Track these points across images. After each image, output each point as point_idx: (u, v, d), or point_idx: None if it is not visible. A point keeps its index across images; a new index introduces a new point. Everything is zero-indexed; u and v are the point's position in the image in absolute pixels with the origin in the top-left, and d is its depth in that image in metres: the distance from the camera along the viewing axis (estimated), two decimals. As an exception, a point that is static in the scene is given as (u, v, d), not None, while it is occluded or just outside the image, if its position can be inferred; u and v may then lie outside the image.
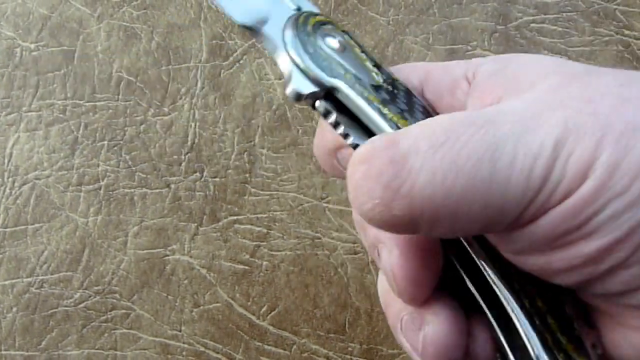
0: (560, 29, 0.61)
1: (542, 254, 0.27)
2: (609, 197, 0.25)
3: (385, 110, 0.29)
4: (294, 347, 0.58)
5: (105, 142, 0.60)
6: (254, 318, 0.58)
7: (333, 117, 0.30)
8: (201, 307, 0.58)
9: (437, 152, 0.26)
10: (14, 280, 0.59)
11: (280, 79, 0.61)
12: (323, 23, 0.31)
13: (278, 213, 0.59)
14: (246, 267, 0.59)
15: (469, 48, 0.60)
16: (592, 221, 0.26)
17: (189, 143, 0.60)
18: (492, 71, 0.31)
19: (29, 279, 0.59)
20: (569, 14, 0.61)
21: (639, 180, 0.25)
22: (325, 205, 0.58)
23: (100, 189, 0.60)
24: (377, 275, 0.55)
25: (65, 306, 0.58)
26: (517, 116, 0.27)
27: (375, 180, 0.26)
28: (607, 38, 0.62)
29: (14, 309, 0.58)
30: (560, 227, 0.26)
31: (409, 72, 0.33)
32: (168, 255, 0.59)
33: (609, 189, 0.25)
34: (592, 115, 0.26)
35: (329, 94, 0.30)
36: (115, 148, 0.60)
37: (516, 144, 0.26)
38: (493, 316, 0.30)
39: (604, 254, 0.26)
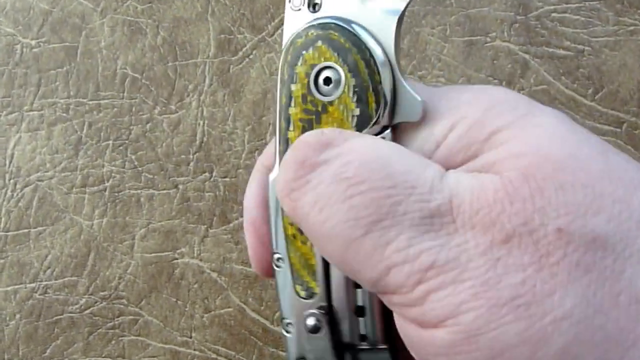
0: (582, 18, 0.59)
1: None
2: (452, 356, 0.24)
3: None
4: (309, 353, 0.55)
5: (110, 142, 0.58)
6: (267, 323, 0.56)
7: None
8: (212, 313, 0.56)
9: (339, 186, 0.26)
10: (16, 286, 0.57)
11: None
12: None
13: None
14: None
15: (488, 39, 0.58)
16: None
17: (198, 142, 0.58)
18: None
19: (33, 285, 0.57)
20: (591, 2, 0.58)
21: None
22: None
23: (105, 190, 0.57)
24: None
25: (71, 312, 0.56)
26: None
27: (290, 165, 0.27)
28: (632, 27, 0.59)
29: (17, 316, 0.56)
30: (415, 346, 0.26)
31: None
32: (177, 259, 0.56)
33: (460, 353, 0.24)
34: (487, 236, 0.24)
35: None
36: (121, 148, 0.58)
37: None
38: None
39: None
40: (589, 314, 0.22)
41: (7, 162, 0.58)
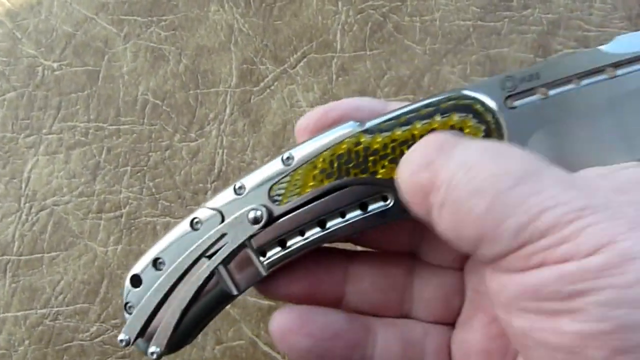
0: (603, 63, 0.58)
1: (527, 316, 0.29)
2: (610, 283, 0.26)
3: None
4: (321, 390, 0.54)
5: (129, 168, 0.57)
6: (279, 357, 0.55)
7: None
8: (224, 345, 0.55)
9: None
10: (27, 312, 0.55)
11: (312, 107, 0.58)
12: None
13: None
14: (272, 303, 0.55)
15: (511, 80, 0.57)
16: (583, 299, 0.27)
17: (216, 171, 0.57)
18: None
19: (44, 311, 0.55)
20: (613, 47, 0.58)
21: None
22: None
23: (121, 216, 0.56)
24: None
25: (81, 340, 0.55)
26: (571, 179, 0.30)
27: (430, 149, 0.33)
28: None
29: (26, 342, 0.55)
30: (550, 287, 0.28)
31: None
32: None
33: (613, 275, 0.26)
34: (634, 208, 0.28)
35: None
36: (139, 174, 0.57)
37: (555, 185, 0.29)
38: None
39: (583, 342, 0.27)
40: None
41: (23, 186, 0.57)
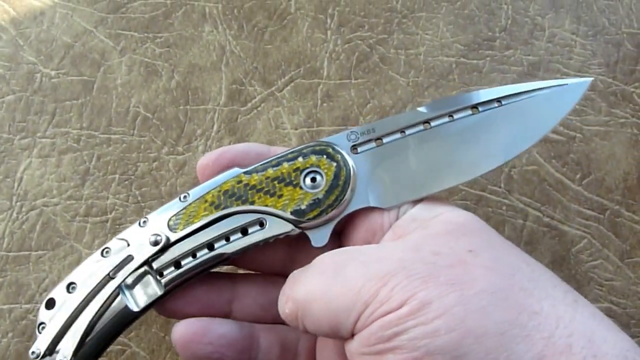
0: (577, 106, 0.65)
1: (367, 358, 0.40)
2: (415, 324, 0.38)
3: None
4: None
5: (117, 176, 0.63)
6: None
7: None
8: None
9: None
10: (12, 305, 0.61)
11: (296, 129, 0.64)
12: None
13: None
14: None
15: (486, 117, 0.63)
16: (399, 338, 0.38)
17: (200, 184, 0.62)
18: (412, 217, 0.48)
19: (28, 306, 0.61)
20: (587, 92, 0.64)
21: (440, 319, 0.38)
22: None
23: (107, 221, 0.62)
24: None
25: (61, 336, 0.60)
26: (374, 254, 0.44)
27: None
28: (622, 120, 0.65)
29: (10, 335, 0.60)
30: (376, 334, 0.39)
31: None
32: None
33: (415, 317, 0.38)
34: (430, 264, 0.41)
35: None
36: (126, 182, 0.63)
37: (362, 269, 0.42)
38: None
39: None
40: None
41: (16, 185, 0.63)
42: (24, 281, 0.61)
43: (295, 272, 0.47)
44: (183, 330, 0.48)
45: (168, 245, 0.48)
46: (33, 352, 0.46)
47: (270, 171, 0.49)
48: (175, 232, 0.48)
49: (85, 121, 0.65)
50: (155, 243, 0.48)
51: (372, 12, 0.69)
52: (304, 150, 0.49)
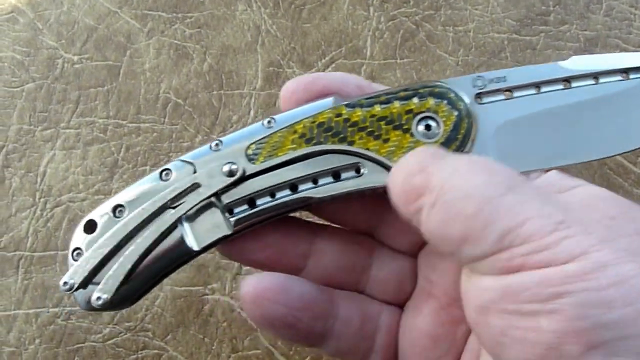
0: None
1: (506, 316, 0.35)
2: (585, 287, 0.33)
3: None
4: (337, 405, 0.60)
5: (147, 167, 0.63)
6: (295, 369, 0.60)
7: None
8: (239, 353, 0.60)
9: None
10: (39, 310, 0.61)
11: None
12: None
13: None
14: None
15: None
16: (561, 300, 0.33)
17: (237, 175, 0.63)
18: None
19: (56, 310, 0.61)
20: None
21: (615, 288, 0.33)
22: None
23: (138, 217, 0.62)
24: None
25: (93, 341, 0.60)
26: (552, 196, 0.39)
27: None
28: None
29: (37, 341, 0.60)
30: (530, 290, 0.34)
31: None
32: (207, 295, 0.61)
33: (588, 280, 0.33)
34: (607, 227, 0.37)
35: None
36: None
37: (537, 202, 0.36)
38: None
39: (561, 339, 0.33)
40: None
41: (39, 180, 0.63)
42: (51, 283, 0.61)
43: (438, 148, 0.41)
44: (255, 284, 0.43)
45: (244, 178, 0.43)
46: (66, 283, 0.41)
47: (378, 108, 0.43)
48: (254, 163, 0.43)
49: (112, 109, 0.65)
50: (230, 174, 0.43)
51: None
52: (421, 91, 0.43)
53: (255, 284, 0.43)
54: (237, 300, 0.61)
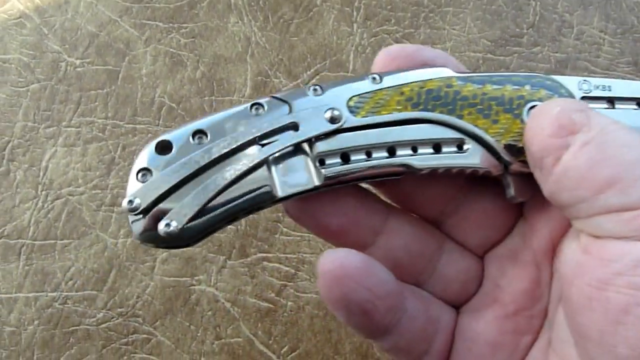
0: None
1: (631, 291, 0.32)
2: None
3: None
4: (311, 391, 0.64)
5: (142, 166, 0.68)
6: (274, 357, 0.64)
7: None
8: (222, 340, 0.64)
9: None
10: (38, 294, 0.65)
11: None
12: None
13: (307, 255, 0.66)
14: (271, 305, 0.65)
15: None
16: None
17: (226, 176, 0.67)
18: None
19: (54, 294, 0.65)
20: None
21: None
22: (354, 252, 0.65)
23: (132, 211, 0.67)
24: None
25: (87, 325, 0.64)
26: None
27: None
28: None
29: (36, 322, 0.64)
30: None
31: None
32: (194, 285, 0.65)
33: None
34: None
35: None
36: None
37: None
38: None
39: None
40: None
41: (41, 174, 0.68)
42: (50, 270, 0.65)
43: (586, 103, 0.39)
44: (343, 260, 0.37)
45: (342, 129, 0.39)
46: (130, 202, 0.36)
47: (489, 87, 0.40)
48: (355, 116, 0.39)
49: (111, 111, 0.69)
50: (332, 120, 0.39)
51: (399, 6, 0.74)
52: (533, 80, 0.41)
53: (343, 260, 0.37)
54: (222, 291, 0.65)
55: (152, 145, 0.39)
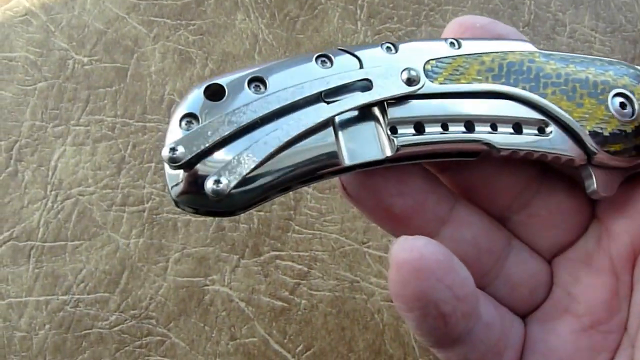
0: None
1: None
2: None
3: None
4: (326, 389, 0.56)
5: (153, 164, 0.58)
6: (289, 356, 0.56)
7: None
8: (237, 341, 0.56)
9: None
10: (49, 297, 0.55)
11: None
12: None
13: (319, 253, 0.57)
14: (285, 304, 0.56)
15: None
16: None
17: (237, 174, 0.58)
18: None
19: (65, 297, 0.56)
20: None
21: None
22: (365, 249, 0.57)
23: (144, 211, 0.57)
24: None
25: (100, 328, 0.55)
26: None
27: None
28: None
29: (47, 326, 0.55)
30: None
31: None
32: (208, 285, 0.56)
33: None
34: None
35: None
36: (162, 171, 0.58)
37: None
38: None
39: None
40: None
41: (50, 174, 0.57)
42: (60, 272, 0.56)
43: None
44: (422, 250, 0.27)
45: (418, 94, 0.30)
46: (173, 150, 0.26)
47: (573, 67, 0.32)
48: (432, 81, 0.30)
49: (120, 109, 0.59)
50: (409, 82, 0.30)
51: (401, 4, 0.65)
52: (616, 66, 0.33)
53: (422, 249, 0.27)
54: (236, 291, 0.56)
55: (200, 88, 0.28)
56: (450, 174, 0.34)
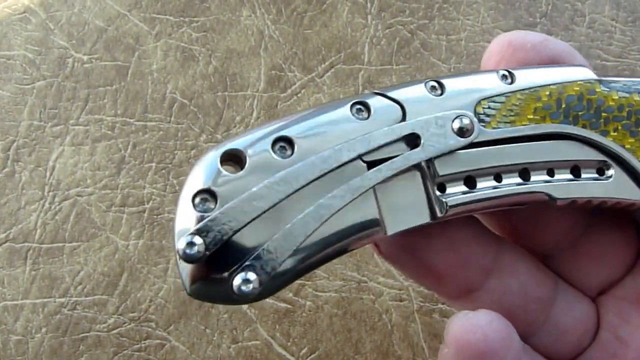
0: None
1: None
2: None
3: None
4: (333, 394, 0.55)
5: (153, 164, 0.57)
6: (293, 359, 0.55)
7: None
8: (239, 344, 0.55)
9: None
10: (45, 300, 0.55)
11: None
12: None
13: None
14: (289, 306, 0.55)
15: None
16: None
17: (240, 173, 0.57)
18: None
19: (62, 300, 0.55)
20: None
21: None
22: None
23: (144, 212, 0.56)
24: (421, 324, 0.53)
25: (98, 331, 0.55)
26: None
27: None
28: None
29: (44, 330, 0.54)
30: None
31: None
32: None
33: None
34: None
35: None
36: (163, 171, 0.57)
37: None
38: None
39: None
40: None
41: (48, 174, 0.57)
42: (58, 274, 0.55)
43: None
44: (486, 330, 0.25)
45: (473, 143, 0.26)
46: (191, 244, 0.23)
47: (637, 97, 0.28)
48: (486, 127, 0.27)
49: (120, 108, 0.59)
50: (461, 132, 0.26)
51: None
52: None
53: (486, 330, 0.25)
54: None
55: (215, 156, 0.24)
56: (495, 217, 0.32)
